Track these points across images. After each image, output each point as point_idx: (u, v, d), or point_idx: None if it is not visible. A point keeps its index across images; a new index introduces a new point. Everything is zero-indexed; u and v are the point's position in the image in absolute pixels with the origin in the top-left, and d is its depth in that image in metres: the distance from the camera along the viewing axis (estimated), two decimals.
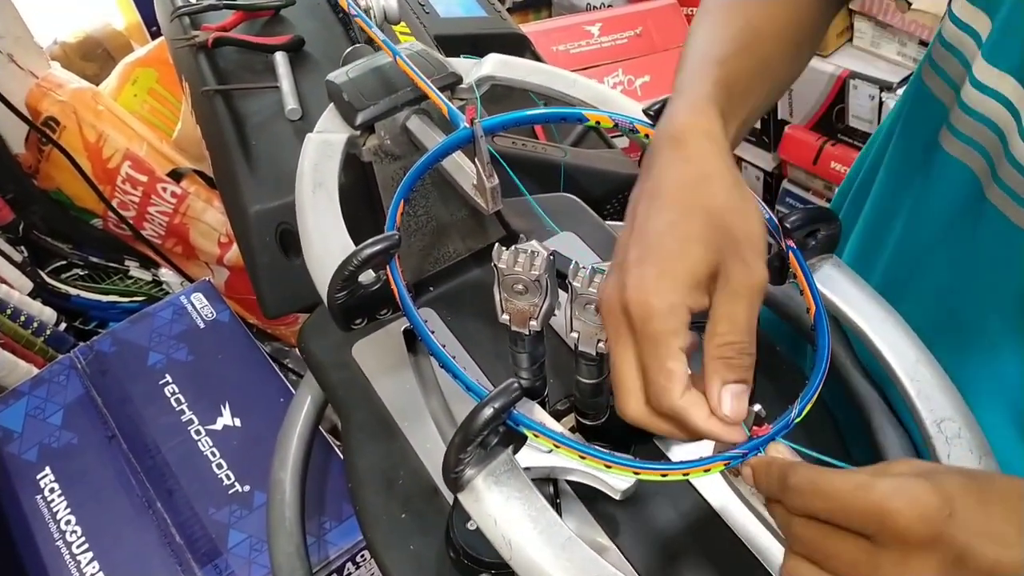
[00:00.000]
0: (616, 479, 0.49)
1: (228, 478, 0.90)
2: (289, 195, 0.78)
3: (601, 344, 0.47)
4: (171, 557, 0.84)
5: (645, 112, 0.54)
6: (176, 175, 1.36)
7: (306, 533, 0.70)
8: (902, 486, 0.32)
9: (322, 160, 0.58)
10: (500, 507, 0.40)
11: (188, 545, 0.85)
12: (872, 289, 0.51)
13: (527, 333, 0.51)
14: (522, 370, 0.55)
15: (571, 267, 0.46)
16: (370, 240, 0.47)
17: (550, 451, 0.44)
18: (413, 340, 0.63)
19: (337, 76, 0.60)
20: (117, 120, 1.37)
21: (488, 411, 0.40)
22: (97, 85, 1.45)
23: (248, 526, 0.86)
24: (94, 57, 1.64)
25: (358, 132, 0.60)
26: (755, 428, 0.40)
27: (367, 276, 0.48)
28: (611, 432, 0.57)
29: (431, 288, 0.70)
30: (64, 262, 1.44)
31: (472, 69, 0.63)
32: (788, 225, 0.49)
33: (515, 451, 0.43)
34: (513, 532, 0.39)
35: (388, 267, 0.48)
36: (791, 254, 0.49)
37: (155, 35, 1.66)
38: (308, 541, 0.74)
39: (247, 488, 0.89)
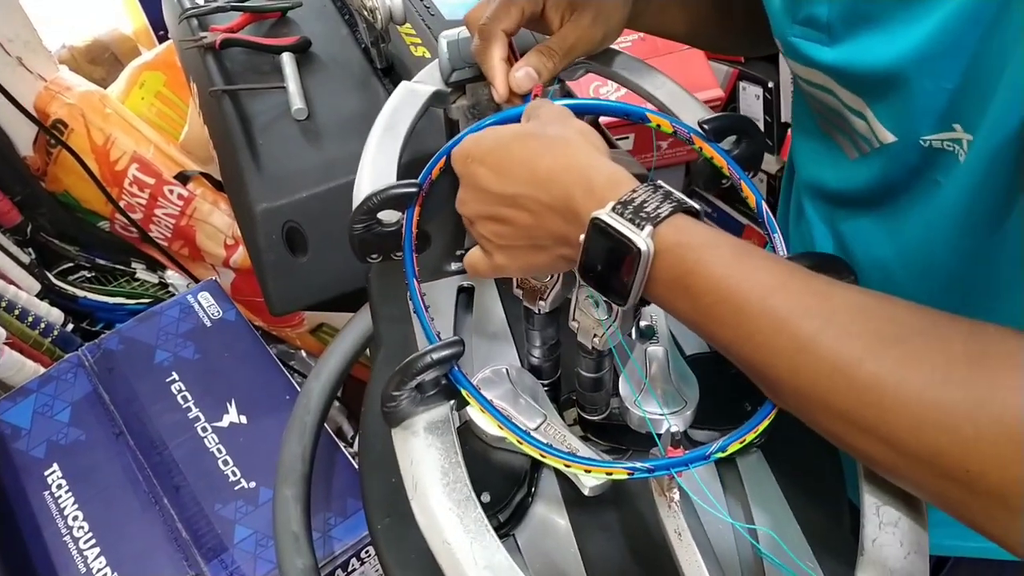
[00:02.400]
0: (588, 477, 0.49)
1: (234, 474, 0.90)
2: (295, 194, 0.80)
3: (596, 339, 0.48)
4: (177, 552, 0.85)
5: (700, 124, 0.55)
6: (183, 178, 1.37)
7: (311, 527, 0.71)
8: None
9: (403, 106, 0.62)
10: (420, 451, 0.43)
11: (194, 540, 0.85)
12: None
13: (536, 312, 0.52)
14: (534, 348, 0.56)
15: None
16: (394, 183, 0.51)
17: (537, 427, 0.48)
18: (467, 299, 0.65)
19: (449, 35, 0.63)
20: (124, 123, 1.38)
21: (426, 358, 0.43)
22: (105, 88, 1.46)
23: (254, 522, 0.86)
24: (102, 61, 1.65)
25: (448, 89, 0.64)
26: (670, 449, 0.42)
27: (392, 216, 0.52)
28: (612, 431, 0.57)
29: None
30: (71, 264, 1.44)
31: None
32: (707, 127, 0.54)
33: (458, 407, 0.46)
34: (422, 476, 0.42)
35: (406, 212, 0.51)
36: (719, 155, 0.53)
37: (162, 39, 1.66)
38: (313, 536, 0.75)
39: (252, 484, 0.89)
